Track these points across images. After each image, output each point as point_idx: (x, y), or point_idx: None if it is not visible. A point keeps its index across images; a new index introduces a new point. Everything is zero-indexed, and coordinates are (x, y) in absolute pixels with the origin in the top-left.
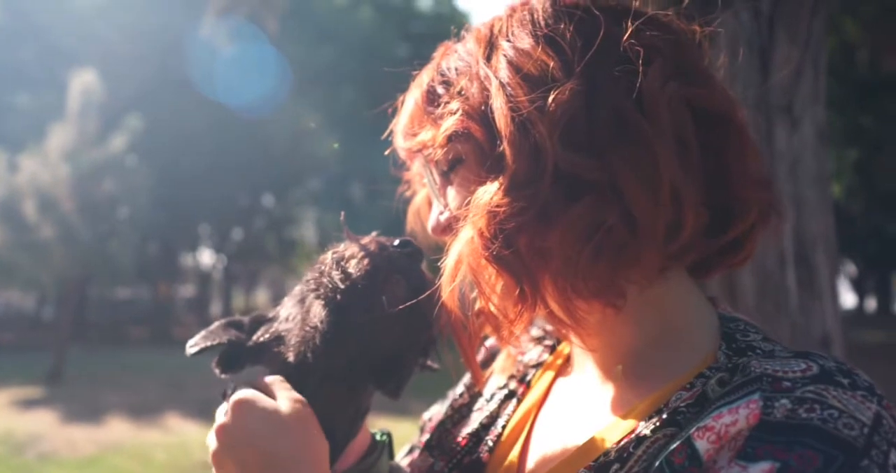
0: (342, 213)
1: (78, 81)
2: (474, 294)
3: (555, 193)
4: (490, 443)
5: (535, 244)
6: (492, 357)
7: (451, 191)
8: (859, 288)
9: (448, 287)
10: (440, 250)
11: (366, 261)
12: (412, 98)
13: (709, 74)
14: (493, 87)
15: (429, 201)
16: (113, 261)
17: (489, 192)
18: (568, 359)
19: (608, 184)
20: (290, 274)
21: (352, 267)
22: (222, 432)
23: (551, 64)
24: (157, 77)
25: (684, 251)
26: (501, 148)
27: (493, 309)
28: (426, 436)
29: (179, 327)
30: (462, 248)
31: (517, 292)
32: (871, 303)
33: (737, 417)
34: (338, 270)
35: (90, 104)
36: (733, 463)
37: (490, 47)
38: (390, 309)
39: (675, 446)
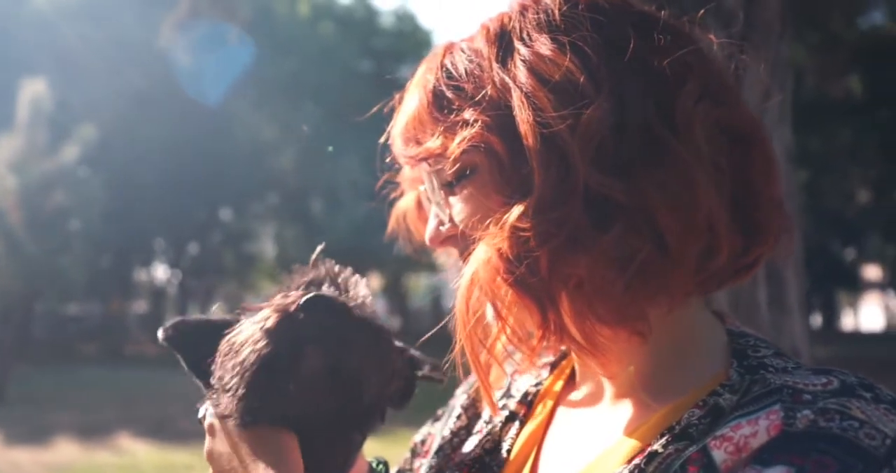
0: (243, 304)
1: (28, 90)
2: (489, 318)
3: (584, 217)
4: (495, 469)
5: (560, 270)
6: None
7: (457, 203)
8: (806, 305)
9: (462, 309)
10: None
11: (262, 345)
12: (415, 99)
13: (735, 91)
14: (516, 98)
15: (419, 205)
16: (63, 276)
17: (513, 212)
18: (571, 378)
19: (639, 208)
20: (247, 289)
21: (246, 356)
22: (209, 456)
23: (580, 76)
24: (112, 87)
25: (713, 278)
26: (526, 164)
27: (509, 334)
28: (422, 462)
29: (132, 344)
30: (478, 269)
31: (539, 319)
32: (817, 320)
33: (757, 428)
34: (233, 364)
35: (40, 113)
36: (749, 468)
37: (503, 49)
38: (312, 382)
39: (690, 453)
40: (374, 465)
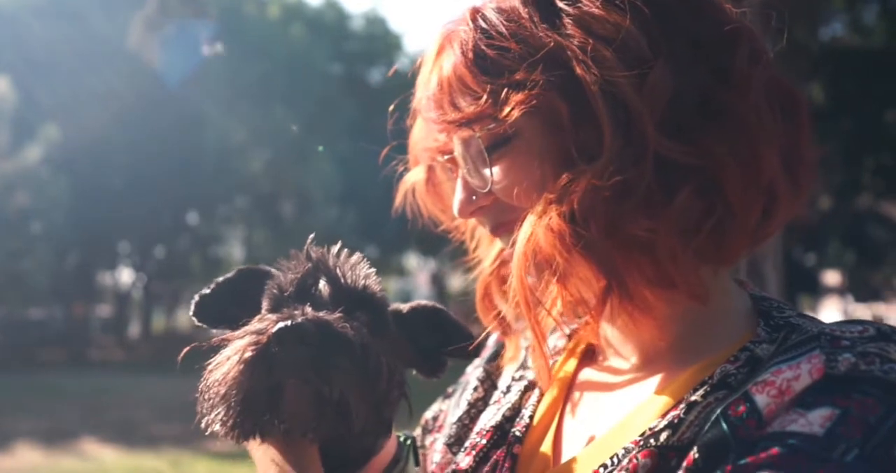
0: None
1: None
2: (543, 282)
3: (653, 180)
4: (518, 434)
5: (627, 233)
6: (497, 351)
7: (499, 170)
8: (786, 298)
9: (519, 273)
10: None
11: (241, 380)
12: (450, 62)
13: (773, 59)
14: (577, 57)
15: (429, 178)
16: (25, 280)
17: (580, 175)
18: (590, 346)
19: (707, 171)
20: None
21: (226, 392)
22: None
23: (641, 37)
24: (78, 86)
25: (760, 242)
26: (588, 125)
27: (567, 298)
28: (435, 437)
29: (95, 349)
30: (535, 233)
31: (603, 282)
32: None
33: (799, 372)
34: (216, 399)
35: (2, 113)
36: (791, 411)
37: (544, 9)
38: (296, 412)
39: (731, 400)
40: (401, 439)
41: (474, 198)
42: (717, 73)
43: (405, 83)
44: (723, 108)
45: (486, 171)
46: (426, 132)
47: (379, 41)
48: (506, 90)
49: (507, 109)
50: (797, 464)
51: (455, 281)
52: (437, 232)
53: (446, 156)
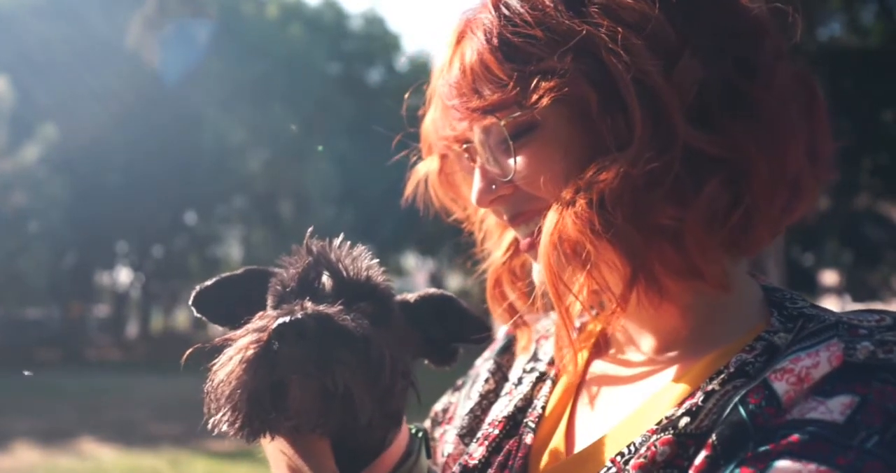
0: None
1: None
2: (569, 270)
3: (682, 170)
4: (531, 425)
5: (655, 222)
6: (507, 343)
7: (522, 158)
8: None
9: (547, 260)
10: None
11: (244, 379)
12: (472, 49)
13: (790, 55)
14: (606, 45)
15: (443, 168)
16: (22, 279)
17: (611, 163)
18: (601, 339)
19: (734, 162)
20: None
21: (231, 391)
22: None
23: (669, 28)
24: (76, 86)
25: (779, 232)
26: (616, 114)
27: (593, 287)
28: (445, 429)
29: (93, 349)
30: (565, 220)
31: (629, 270)
32: None
33: (818, 360)
34: (221, 399)
35: (0, 112)
36: (810, 399)
37: None
38: (304, 410)
39: (750, 388)
40: (412, 431)
41: (494, 187)
42: (743, 65)
43: (404, 82)
44: (749, 101)
45: (509, 160)
46: (442, 120)
47: (377, 41)
48: (536, 78)
49: (535, 97)
50: (817, 451)
51: (454, 281)
52: (445, 223)
53: (465, 145)
